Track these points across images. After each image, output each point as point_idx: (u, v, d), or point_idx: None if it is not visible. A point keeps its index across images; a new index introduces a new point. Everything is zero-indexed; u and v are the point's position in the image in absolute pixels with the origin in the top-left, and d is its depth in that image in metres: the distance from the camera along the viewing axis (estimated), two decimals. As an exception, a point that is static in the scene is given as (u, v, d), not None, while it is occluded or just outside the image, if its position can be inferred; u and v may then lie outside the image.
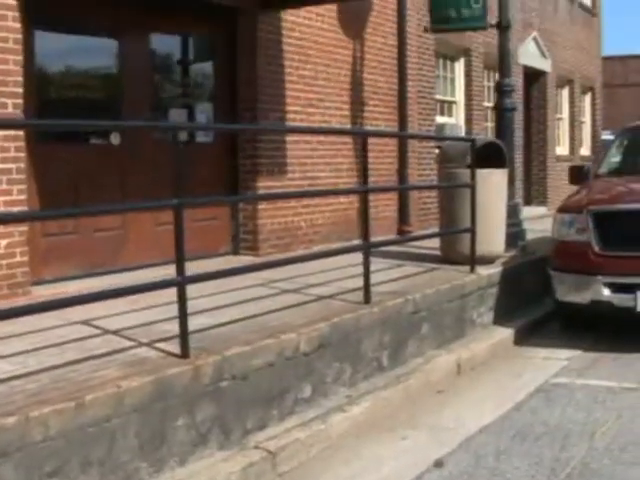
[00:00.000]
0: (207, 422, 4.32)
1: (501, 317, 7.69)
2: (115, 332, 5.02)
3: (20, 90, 6.31)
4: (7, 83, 6.20)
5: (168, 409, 4.12)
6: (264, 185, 8.93)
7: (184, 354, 4.43)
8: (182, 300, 4.49)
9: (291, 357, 4.96)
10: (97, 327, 5.15)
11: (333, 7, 9.79)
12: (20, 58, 6.31)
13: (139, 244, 7.58)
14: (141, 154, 7.46)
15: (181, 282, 4.48)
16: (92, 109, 7.54)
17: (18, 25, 6.27)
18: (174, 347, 4.53)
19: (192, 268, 6.00)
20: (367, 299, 5.91)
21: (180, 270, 4.46)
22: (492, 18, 9.91)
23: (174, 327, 4.56)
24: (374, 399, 5.33)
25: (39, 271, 6.74)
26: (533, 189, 17.81)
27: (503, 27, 9.32)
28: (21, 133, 6.31)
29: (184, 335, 4.46)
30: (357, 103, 10.44)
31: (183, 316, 4.48)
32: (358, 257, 6.10)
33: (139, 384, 4.00)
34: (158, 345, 4.67)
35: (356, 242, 6.24)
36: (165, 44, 8.47)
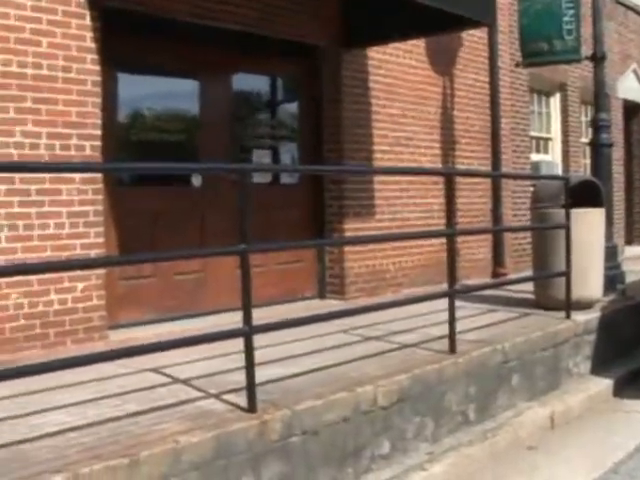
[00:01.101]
0: (273, 481, 4.06)
1: (599, 366, 7.21)
2: (182, 381, 4.82)
3: (98, 132, 6.27)
4: (85, 125, 6.17)
5: (231, 467, 3.86)
6: (351, 227, 8.70)
7: (251, 408, 4.18)
8: (249, 351, 4.24)
9: (368, 411, 4.66)
10: (164, 375, 4.97)
11: (421, 43, 9.56)
12: (99, 100, 6.27)
13: (218, 287, 7.40)
14: (222, 196, 7.30)
15: (248, 332, 4.24)
16: (172, 150, 7.46)
17: (97, 67, 6.24)
18: (242, 400, 4.28)
19: (273, 313, 5.86)
20: (452, 348, 5.58)
21: (247, 319, 4.23)
22: (587, 50, 9.51)
23: (245, 378, 4.31)
24: (458, 456, 4.96)
25: (116, 315, 6.63)
26: (635, 228, 17.09)
27: (598, 59, 8.92)
28: (99, 176, 6.26)
29: (251, 388, 4.21)
30: (448, 141, 10.15)
31: (250, 368, 4.23)
32: (447, 301, 5.77)
33: (199, 440, 3.77)
34: (225, 397, 4.44)
35: (445, 286, 5.90)
36: (248, 84, 8.35)
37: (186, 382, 4.81)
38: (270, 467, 4.05)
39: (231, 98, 7.98)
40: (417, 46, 9.53)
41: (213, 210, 7.44)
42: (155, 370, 5.05)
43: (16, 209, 5.78)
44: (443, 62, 10.06)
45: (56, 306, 6.01)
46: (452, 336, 5.61)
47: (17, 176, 5.73)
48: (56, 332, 6.01)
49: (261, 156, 8.33)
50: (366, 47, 8.73)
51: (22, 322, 5.81)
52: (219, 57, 7.63)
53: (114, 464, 3.45)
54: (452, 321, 5.63)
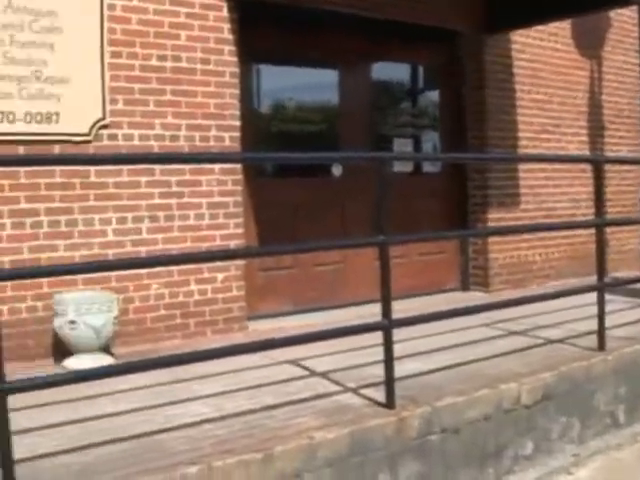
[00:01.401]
0: (411, 480, 3.93)
1: None
2: (319, 374, 4.75)
3: (237, 123, 6.29)
4: (224, 116, 6.19)
5: (367, 464, 3.77)
6: (495, 217, 8.44)
7: (389, 404, 4.06)
8: (388, 345, 4.12)
9: (510, 410, 4.46)
10: (301, 368, 4.92)
11: (566, 25, 9.16)
12: (237, 91, 6.29)
13: (357, 279, 7.30)
14: (363, 186, 7.19)
15: (387, 326, 4.12)
16: (312, 141, 7.40)
17: (235, 59, 6.25)
18: (379, 395, 4.17)
19: (414, 305, 5.72)
20: (601, 345, 5.30)
21: (386, 312, 4.11)
22: None
23: (383, 372, 4.19)
24: (605, 460, 4.70)
25: (255, 306, 6.63)
26: None
27: None
28: (238, 166, 6.28)
29: (390, 383, 4.09)
30: (596, 127, 9.71)
31: (389, 363, 4.11)
32: (594, 295, 5.48)
33: (335, 436, 3.69)
34: (362, 392, 4.34)
35: (593, 279, 5.62)
36: (388, 73, 8.20)
37: (323, 375, 4.74)
38: (407, 466, 3.93)
39: (371, 87, 7.85)
40: (562, 28, 9.15)
41: (353, 200, 7.35)
42: (292, 362, 5.01)
43: (157, 200, 5.87)
44: (590, 44, 9.61)
45: (196, 296, 6.07)
46: (601, 332, 5.33)
47: (157, 168, 5.81)
48: (196, 322, 6.07)
49: (402, 145, 8.18)
50: (509, 31, 8.42)
51: (163, 312, 5.90)
52: (358, 46, 7.52)
53: (247, 458, 3.41)
54: (601, 316, 5.35)
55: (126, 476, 3.23)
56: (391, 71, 8.26)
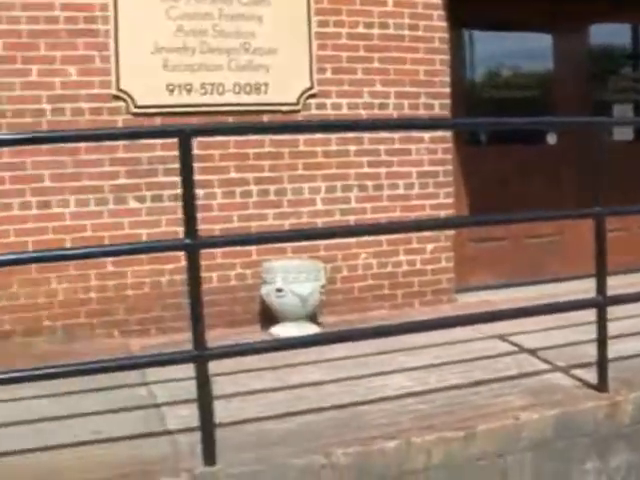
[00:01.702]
0: (622, 469, 3.70)
1: None
2: (528, 351, 4.57)
3: (447, 90, 6.14)
4: (433, 83, 6.07)
5: (573, 449, 3.59)
6: None
7: (601, 386, 3.85)
8: (602, 323, 3.89)
9: None
10: (509, 343, 4.76)
11: None
12: (447, 57, 6.14)
13: (572, 252, 6.95)
14: (580, 154, 6.83)
15: (601, 303, 3.89)
16: (524, 108, 7.09)
17: (444, 24, 6.08)
18: (590, 376, 3.96)
19: (632, 281, 5.39)
20: None
21: (601, 289, 3.87)
22: None
23: (595, 351, 3.95)
24: None
25: (464, 278, 6.47)
26: None
27: None
28: (448, 135, 6.15)
29: (602, 364, 3.86)
30: None
31: (602, 342, 3.88)
32: None
33: (541, 417, 3.54)
34: (572, 372, 4.13)
35: None
36: (606, 35, 7.70)
37: (531, 352, 4.56)
38: (618, 454, 3.71)
39: (587, 51, 7.41)
40: None
41: (569, 170, 7.00)
42: (500, 337, 4.84)
43: (365, 169, 5.85)
44: None
45: (404, 267, 6.02)
46: None
47: (366, 136, 5.78)
48: (404, 293, 6.03)
49: (622, 111, 7.72)
50: None
51: (370, 282, 5.89)
52: (573, 8, 7.09)
53: (448, 436, 3.33)
54: None
55: (325, 446, 3.24)
56: (609, 34, 7.76)
